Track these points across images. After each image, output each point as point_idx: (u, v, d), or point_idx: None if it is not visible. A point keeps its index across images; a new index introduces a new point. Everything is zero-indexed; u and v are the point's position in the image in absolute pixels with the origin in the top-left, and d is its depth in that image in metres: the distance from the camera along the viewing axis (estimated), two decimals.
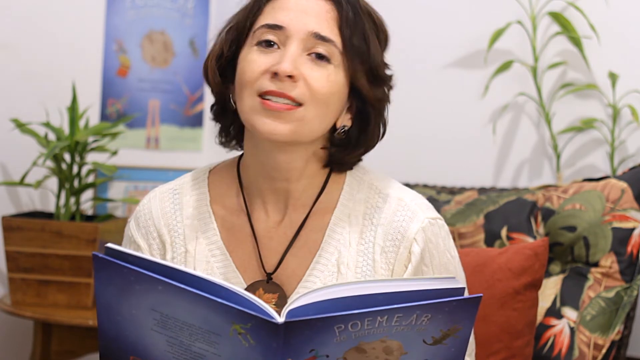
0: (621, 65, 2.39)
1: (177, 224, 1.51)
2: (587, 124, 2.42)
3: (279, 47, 1.41)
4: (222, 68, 1.48)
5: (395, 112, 2.72)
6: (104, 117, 2.91)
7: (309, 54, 1.41)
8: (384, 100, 1.48)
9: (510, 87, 2.53)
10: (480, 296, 1.22)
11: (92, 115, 2.84)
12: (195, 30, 3.03)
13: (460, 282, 1.24)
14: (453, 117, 2.62)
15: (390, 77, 1.49)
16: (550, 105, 2.47)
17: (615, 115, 2.38)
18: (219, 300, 1.16)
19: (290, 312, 1.17)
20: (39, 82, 2.77)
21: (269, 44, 1.41)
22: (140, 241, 1.53)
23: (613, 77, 2.36)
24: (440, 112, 2.63)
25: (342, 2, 1.42)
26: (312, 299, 1.18)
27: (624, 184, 2.03)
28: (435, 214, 1.51)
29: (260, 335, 1.16)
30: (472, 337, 1.55)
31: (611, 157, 2.38)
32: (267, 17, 1.43)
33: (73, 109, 2.60)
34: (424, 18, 2.64)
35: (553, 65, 2.46)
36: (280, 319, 1.16)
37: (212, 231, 1.50)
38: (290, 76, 1.38)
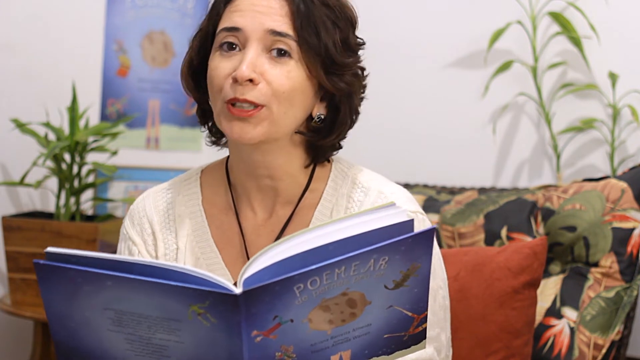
0: (621, 65, 2.39)
1: (169, 221, 1.54)
2: (587, 124, 2.42)
3: (240, 49, 1.43)
4: (195, 74, 1.51)
5: (396, 111, 2.73)
6: (104, 117, 2.91)
7: (269, 52, 1.42)
8: (350, 87, 1.47)
9: (510, 87, 2.53)
10: (434, 228, 1.21)
11: (92, 115, 2.84)
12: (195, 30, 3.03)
13: (406, 215, 1.21)
14: (453, 117, 2.62)
15: (352, 64, 1.47)
16: (550, 105, 2.47)
17: (615, 115, 2.38)
18: (172, 282, 1.13)
19: (246, 281, 1.13)
20: (39, 82, 2.77)
21: (230, 46, 1.43)
22: (135, 237, 1.55)
23: (613, 77, 2.36)
24: (440, 112, 2.63)
25: None
26: (263, 262, 1.15)
27: (624, 184, 2.03)
28: (415, 207, 1.51)
29: (221, 311, 1.13)
30: (449, 342, 1.54)
31: (611, 157, 2.38)
32: (226, 20, 1.44)
33: (73, 109, 2.60)
34: (424, 18, 2.64)
35: (553, 65, 2.46)
36: (237, 289, 1.12)
37: (203, 229, 1.53)
38: (250, 80, 1.40)
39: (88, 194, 2.83)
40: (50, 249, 1.17)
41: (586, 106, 2.45)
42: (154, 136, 2.98)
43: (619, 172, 2.29)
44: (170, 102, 3.00)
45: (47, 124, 2.61)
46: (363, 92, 1.52)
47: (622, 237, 2.00)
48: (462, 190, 2.27)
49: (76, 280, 1.17)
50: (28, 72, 2.75)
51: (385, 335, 1.25)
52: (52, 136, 2.69)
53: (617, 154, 2.40)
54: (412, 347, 1.29)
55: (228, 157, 1.57)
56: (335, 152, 1.54)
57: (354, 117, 1.51)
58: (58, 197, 2.61)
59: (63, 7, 2.81)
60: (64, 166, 2.61)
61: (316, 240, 1.17)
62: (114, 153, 2.67)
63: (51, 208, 2.78)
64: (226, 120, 1.42)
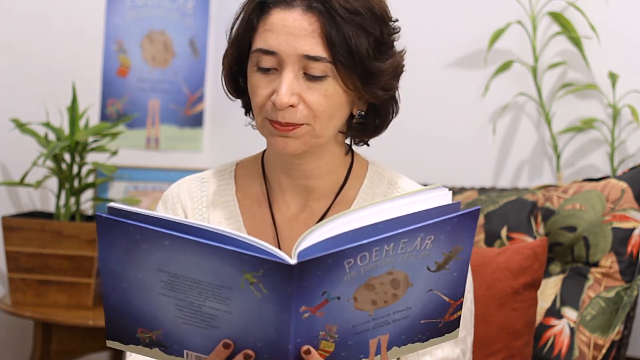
0: (621, 65, 2.39)
1: (202, 209, 1.57)
2: (587, 124, 2.41)
3: (277, 69, 1.44)
4: (235, 79, 1.53)
5: None
6: (104, 117, 2.91)
7: (305, 73, 1.43)
8: (387, 92, 1.49)
9: (510, 87, 2.53)
10: (478, 208, 1.24)
11: (92, 115, 2.84)
12: (195, 30, 3.03)
13: (451, 198, 1.26)
14: (453, 117, 2.62)
15: (387, 67, 1.48)
16: (550, 105, 2.47)
17: (615, 115, 2.38)
18: (229, 247, 1.14)
19: (300, 254, 1.16)
20: (39, 82, 2.77)
21: (267, 69, 1.45)
22: None
23: (613, 77, 2.36)
24: (440, 112, 2.63)
25: (323, 12, 1.43)
26: (316, 238, 1.17)
27: (624, 184, 2.03)
28: None
29: (274, 281, 1.15)
30: (472, 346, 1.55)
31: (611, 157, 2.38)
32: (260, 39, 1.45)
33: (73, 109, 2.60)
34: (424, 18, 2.64)
35: (553, 65, 2.46)
36: (292, 260, 1.14)
37: (235, 218, 1.55)
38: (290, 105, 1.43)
39: (88, 194, 2.83)
40: (113, 204, 1.19)
41: (586, 106, 2.45)
42: (154, 136, 2.98)
43: (619, 172, 2.29)
44: (170, 102, 3.00)
45: (47, 124, 2.61)
46: (402, 70, 1.53)
47: (622, 237, 2.00)
48: (462, 190, 2.27)
49: (135, 237, 1.18)
50: (28, 72, 2.75)
51: (422, 321, 1.28)
52: (52, 136, 2.69)
53: (617, 154, 2.40)
54: (446, 335, 1.31)
55: (264, 151, 1.59)
56: (376, 135, 1.56)
57: (396, 106, 1.54)
58: (58, 197, 2.61)
59: (63, 7, 2.81)
60: (64, 166, 2.61)
61: (366, 218, 1.20)
62: (114, 153, 2.67)
63: (51, 208, 2.78)
64: (270, 135, 1.46)
